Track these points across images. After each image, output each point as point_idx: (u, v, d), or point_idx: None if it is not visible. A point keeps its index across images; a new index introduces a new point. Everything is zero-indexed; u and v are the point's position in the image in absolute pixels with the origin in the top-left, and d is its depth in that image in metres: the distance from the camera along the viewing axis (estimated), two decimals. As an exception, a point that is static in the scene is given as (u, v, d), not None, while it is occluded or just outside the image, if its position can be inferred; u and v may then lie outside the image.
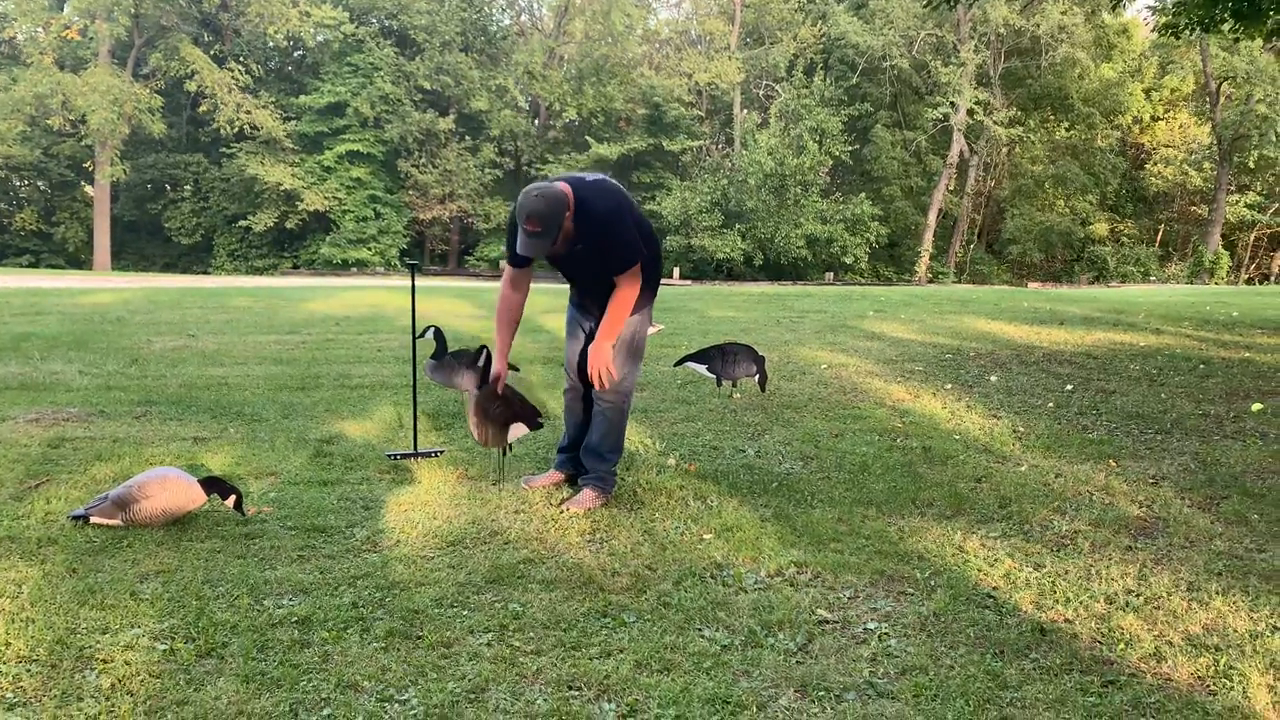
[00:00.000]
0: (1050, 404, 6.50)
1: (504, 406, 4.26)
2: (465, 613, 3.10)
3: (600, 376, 3.99)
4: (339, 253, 39.75)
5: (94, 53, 38.65)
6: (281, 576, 3.34)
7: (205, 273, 38.27)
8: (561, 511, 4.07)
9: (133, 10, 37.50)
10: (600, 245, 3.97)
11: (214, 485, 3.86)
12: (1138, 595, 3.33)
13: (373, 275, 35.59)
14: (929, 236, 41.33)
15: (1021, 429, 5.79)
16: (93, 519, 3.76)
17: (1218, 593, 3.34)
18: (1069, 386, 7.08)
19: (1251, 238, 43.20)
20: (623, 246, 3.99)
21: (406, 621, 3.01)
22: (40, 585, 3.20)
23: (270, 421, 5.72)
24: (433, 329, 5.61)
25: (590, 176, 4.07)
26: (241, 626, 2.94)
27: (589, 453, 4.28)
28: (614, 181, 4.16)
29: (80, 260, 40.37)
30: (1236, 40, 15.28)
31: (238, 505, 3.86)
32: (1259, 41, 15.19)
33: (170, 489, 3.77)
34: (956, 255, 42.86)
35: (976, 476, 4.77)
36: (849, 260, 38.99)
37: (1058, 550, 3.77)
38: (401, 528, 3.86)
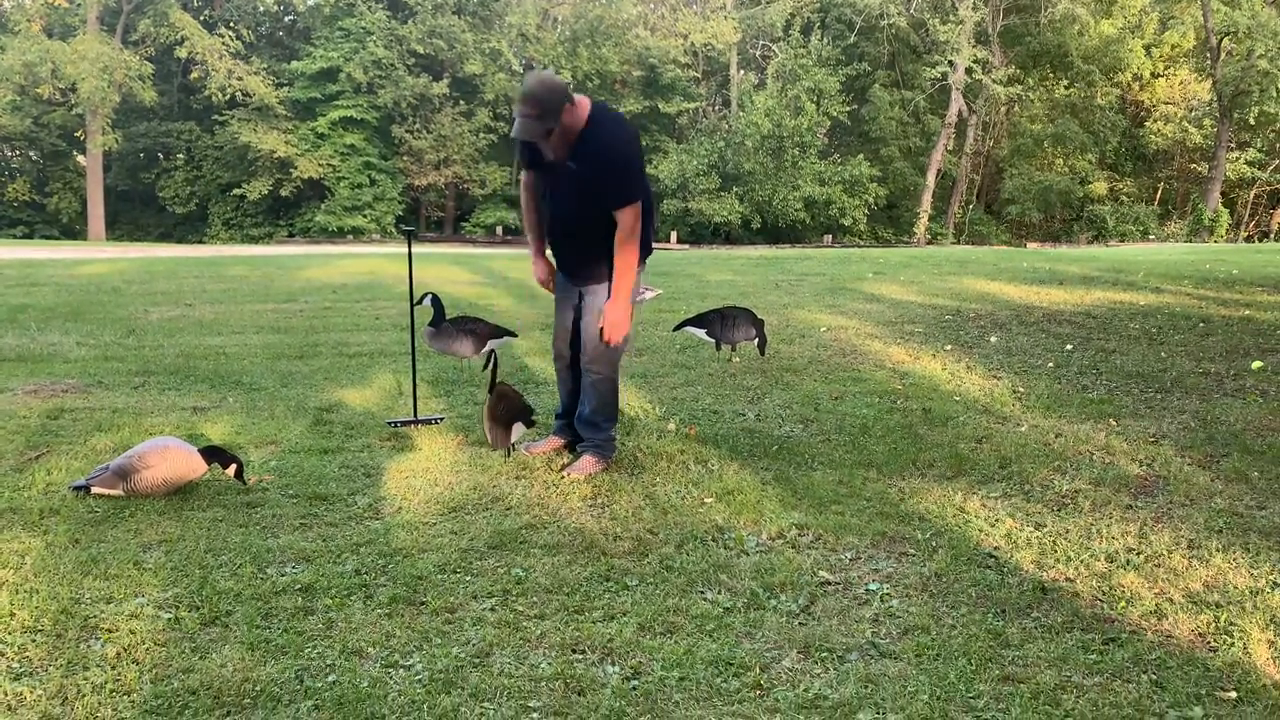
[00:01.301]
0: (1050, 364, 6.50)
1: (506, 406, 4.26)
2: (468, 578, 3.11)
3: (612, 336, 3.97)
4: (334, 220, 39.49)
5: (82, 20, 38.14)
6: (284, 544, 3.34)
7: (200, 242, 38.05)
8: (562, 477, 4.07)
9: (120, -25, 37.02)
10: (603, 171, 3.89)
11: (214, 454, 3.86)
12: (1138, 553, 3.34)
13: (369, 242, 35.42)
14: (928, 197, 41.08)
15: (1021, 389, 5.78)
16: (94, 489, 3.76)
17: (1218, 550, 3.36)
18: (1069, 346, 7.07)
19: (1251, 195, 42.93)
20: (627, 175, 3.94)
21: (410, 588, 3.02)
22: (43, 556, 3.21)
23: (269, 390, 5.72)
24: (430, 296, 5.57)
25: (614, 110, 4.09)
26: (245, 595, 2.95)
27: (584, 423, 4.27)
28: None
29: (75, 230, 40.11)
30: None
31: (238, 474, 3.86)
32: (1261, -5, 15.03)
33: (171, 458, 3.76)
34: (955, 216, 42.63)
35: (977, 437, 4.77)
36: (847, 222, 38.79)
37: (1058, 509, 3.78)
38: (403, 494, 3.86)
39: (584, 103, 3.90)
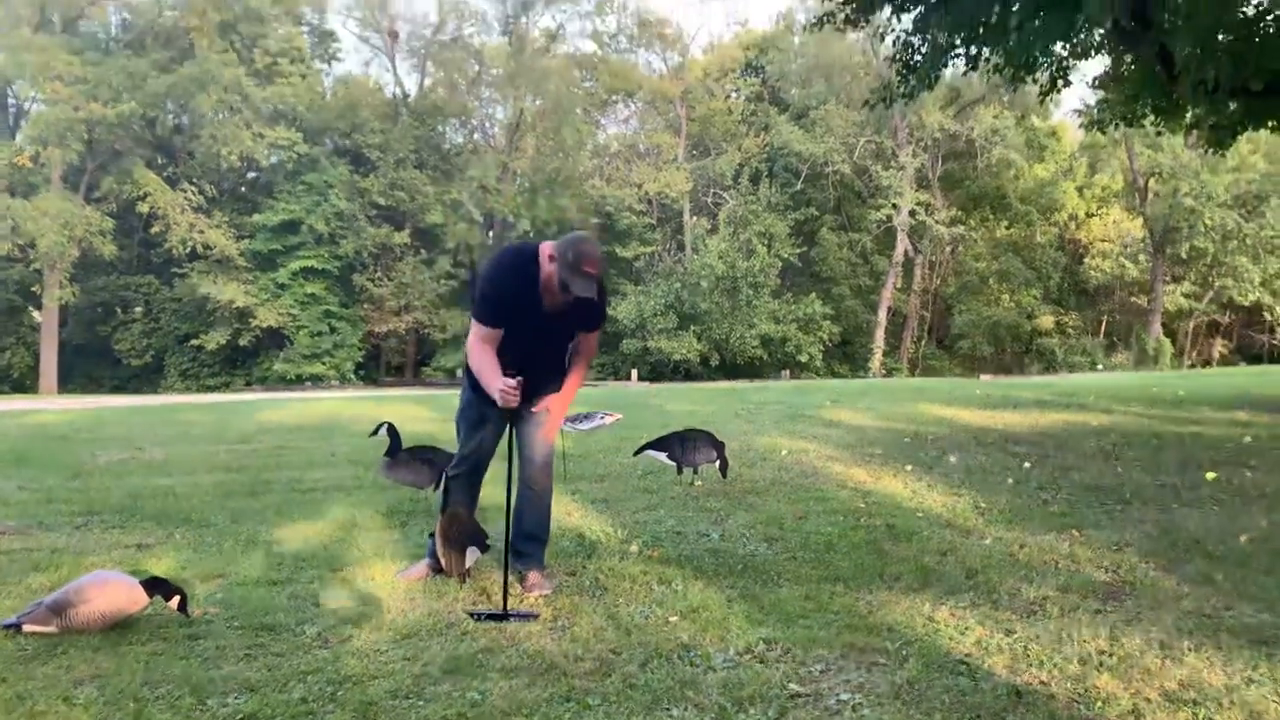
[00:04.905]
0: (1010, 480, 6.52)
1: (459, 529, 4.17)
2: (421, 703, 2.96)
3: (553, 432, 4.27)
4: (293, 368, 39.36)
5: (46, 178, 38.62)
6: (227, 675, 3.17)
7: (155, 393, 37.61)
8: (522, 600, 3.95)
9: (86, 136, 37.75)
10: (592, 303, 3.98)
11: (157, 586, 3.69)
12: (1111, 655, 3.27)
13: (327, 388, 35.23)
14: (880, 334, 42.04)
15: (983, 504, 5.78)
16: (25, 627, 3.56)
17: (1190, 649, 3.30)
18: (1027, 464, 7.12)
19: (1191, 325, 44.49)
20: (604, 297, 4.12)
21: (359, 714, 2.86)
22: (-35, 695, 3.00)
23: (218, 526, 5.54)
24: (386, 425, 5.51)
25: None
26: (182, 727, 2.77)
27: (530, 540, 4.26)
28: None
29: (25, 385, 39.50)
30: (1159, 134, 16.05)
31: (182, 606, 3.68)
32: (1180, 137, 15.99)
33: (110, 592, 3.60)
34: (908, 351, 43.56)
35: (942, 550, 4.72)
36: (804, 359, 39.45)
37: (1028, 616, 3.71)
38: (354, 622, 3.71)
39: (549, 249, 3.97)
